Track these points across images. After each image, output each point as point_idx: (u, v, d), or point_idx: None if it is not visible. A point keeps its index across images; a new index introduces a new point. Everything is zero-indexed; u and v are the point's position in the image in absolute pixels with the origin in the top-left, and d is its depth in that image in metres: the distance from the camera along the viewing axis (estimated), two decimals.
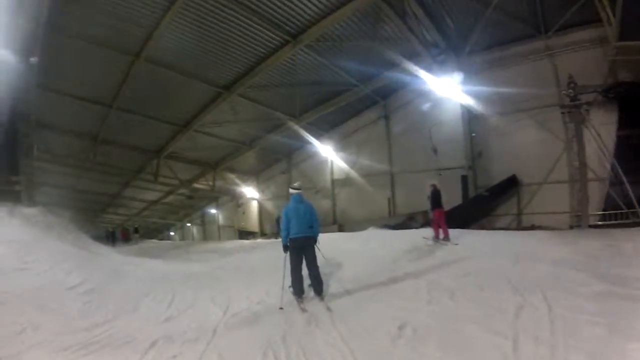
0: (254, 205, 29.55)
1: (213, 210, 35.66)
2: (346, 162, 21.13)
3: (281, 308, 6.06)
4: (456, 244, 9.58)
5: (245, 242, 21.47)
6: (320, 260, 6.76)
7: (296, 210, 6.60)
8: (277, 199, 26.08)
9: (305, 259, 6.50)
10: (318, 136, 21.25)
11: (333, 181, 22.29)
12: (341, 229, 20.29)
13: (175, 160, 23.90)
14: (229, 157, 24.61)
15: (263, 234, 27.84)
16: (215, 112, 17.98)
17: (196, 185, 27.65)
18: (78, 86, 15.91)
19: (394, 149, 18.99)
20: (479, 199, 15.10)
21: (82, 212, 38.76)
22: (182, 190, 29.65)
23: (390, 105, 19.24)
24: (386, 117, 19.29)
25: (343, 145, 21.32)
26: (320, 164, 23.01)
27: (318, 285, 6.47)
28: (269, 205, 27.40)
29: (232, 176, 27.16)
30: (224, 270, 10.08)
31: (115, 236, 34.07)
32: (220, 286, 7.92)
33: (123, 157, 22.95)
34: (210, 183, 26.38)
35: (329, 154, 21.98)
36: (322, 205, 22.27)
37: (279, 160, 26.22)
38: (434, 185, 10.94)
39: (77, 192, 31.50)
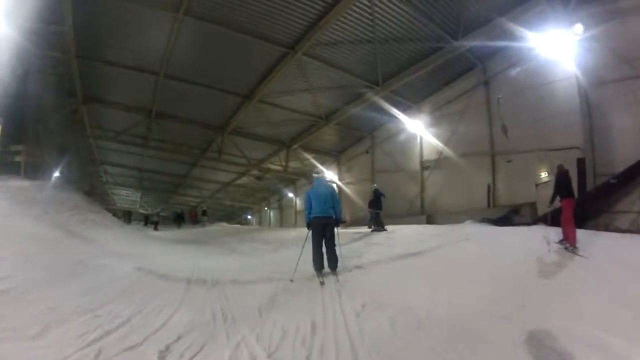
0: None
1: (290, 194, 35.57)
2: (438, 139, 19.21)
3: (291, 280, 7.47)
4: (584, 256, 7.48)
5: None
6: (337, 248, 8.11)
7: (318, 193, 8.17)
8: (360, 183, 24.90)
9: (325, 237, 7.94)
10: (405, 109, 19.65)
11: (422, 163, 20.51)
12: (430, 220, 18.68)
13: (241, 136, 23.68)
14: (303, 134, 23.79)
15: (342, 221, 26.85)
16: (282, 78, 17.05)
17: (269, 166, 27.40)
18: (120, 53, 15.84)
19: (495, 124, 16.51)
20: (603, 189, 11.94)
21: (152, 192, 41.31)
22: (254, 172, 29.74)
23: (491, 69, 16.80)
24: (486, 84, 16.90)
25: (434, 119, 19.39)
26: (407, 142, 21.32)
27: (333, 262, 7.89)
28: (351, 190, 26.22)
29: (308, 156, 26.37)
30: (256, 273, 8.56)
31: (184, 218, 35.66)
32: (219, 314, 5.63)
33: (184, 134, 23.27)
34: (283, 163, 25.80)
35: (418, 131, 20.23)
36: (408, 190, 20.81)
37: (361, 139, 25.01)
38: (560, 166, 9.16)
39: (145, 172, 33.31)
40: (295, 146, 25.13)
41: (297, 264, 7.96)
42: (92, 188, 35.88)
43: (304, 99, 19.27)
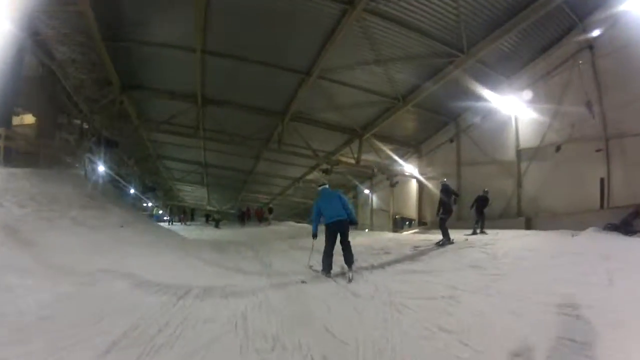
0: (413, 186, 26.78)
1: (366, 191, 34.10)
2: (537, 122, 16.81)
3: (304, 282, 8.23)
4: None
5: (389, 236, 18.36)
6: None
7: (328, 202, 9.15)
8: (444, 178, 22.60)
9: (341, 237, 8.82)
10: (495, 85, 17.33)
11: (518, 152, 18.13)
12: (529, 224, 16.39)
13: (305, 123, 22.63)
14: (378, 120, 22.08)
15: (422, 223, 24.98)
16: (344, 45, 15.44)
17: (339, 158, 26.04)
18: (149, 30, 15.32)
19: (606, 99, 13.87)
20: None
21: (218, 189, 42.02)
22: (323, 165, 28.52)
23: (594, 27, 13.85)
24: (590, 48, 14.18)
25: (531, 97, 16.73)
26: (499, 126, 19.02)
27: (350, 258, 8.76)
28: (435, 186, 23.99)
29: (384, 147, 24.68)
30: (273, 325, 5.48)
31: (250, 215, 35.64)
32: None
33: (238, 122, 22.67)
34: (356, 155, 24.27)
35: (511, 112, 17.94)
36: (502, 186, 18.48)
37: (444, 125, 22.89)
38: None
39: (208, 167, 34.29)
40: (368, 135, 23.50)
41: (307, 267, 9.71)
42: (154, 184, 37.21)
43: (374, 74, 17.64)
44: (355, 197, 37.50)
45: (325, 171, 25.83)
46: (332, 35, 14.86)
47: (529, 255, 8.78)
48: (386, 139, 24.39)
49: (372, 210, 33.06)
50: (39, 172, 12.48)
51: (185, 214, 41.60)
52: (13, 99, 13.35)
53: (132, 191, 33.45)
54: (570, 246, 9.19)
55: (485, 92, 17.08)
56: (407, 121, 22.82)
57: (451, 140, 22.35)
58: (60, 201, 11.03)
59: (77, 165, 17.52)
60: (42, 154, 14.60)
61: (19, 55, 12.96)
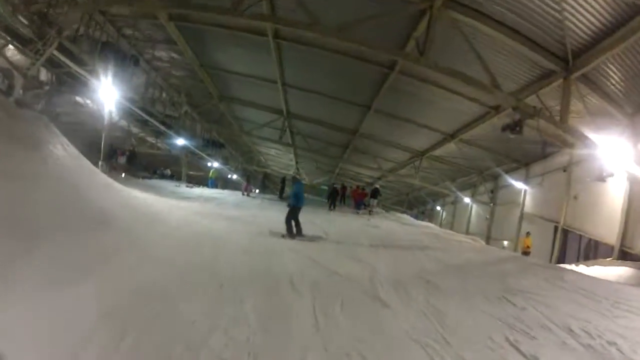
0: (613, 186, 16.19)
1: (518, 184, 23.34)
2: None
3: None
4: None
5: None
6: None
7: (301, 191, 14.06)
8: None
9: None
10: None
11: None
12: None
13: (477, 19, 12.56)
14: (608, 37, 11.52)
15: (624, 254, 14.77)
16: None
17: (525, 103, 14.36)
18: None
19: None
20: None
21: (309, 154, 34.11)
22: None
23: None
24: None
25: None
26: None
27: (300, 230, 13.04)
28: None
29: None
30: None
31: (345, 196, 28.05)
32: None
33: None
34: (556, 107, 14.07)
35: None
36: None
37: None
38: None
39: (293, 119, 26.86)
40: (584, 70, 13.00)
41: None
42: (221, 139, 30.30)
43: None
44: (493, 190, 27.38)
45: (510, 127, 14.94)
46: None
47: None
48: (598, 87, 13.87)
49: (522, 214, 23.04)
50: None
51: (249, 181, 32.13)
52: None
53: (180, 142, 25.54)
54: None
55: None
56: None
57: None
58: None
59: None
60: None
61: None
